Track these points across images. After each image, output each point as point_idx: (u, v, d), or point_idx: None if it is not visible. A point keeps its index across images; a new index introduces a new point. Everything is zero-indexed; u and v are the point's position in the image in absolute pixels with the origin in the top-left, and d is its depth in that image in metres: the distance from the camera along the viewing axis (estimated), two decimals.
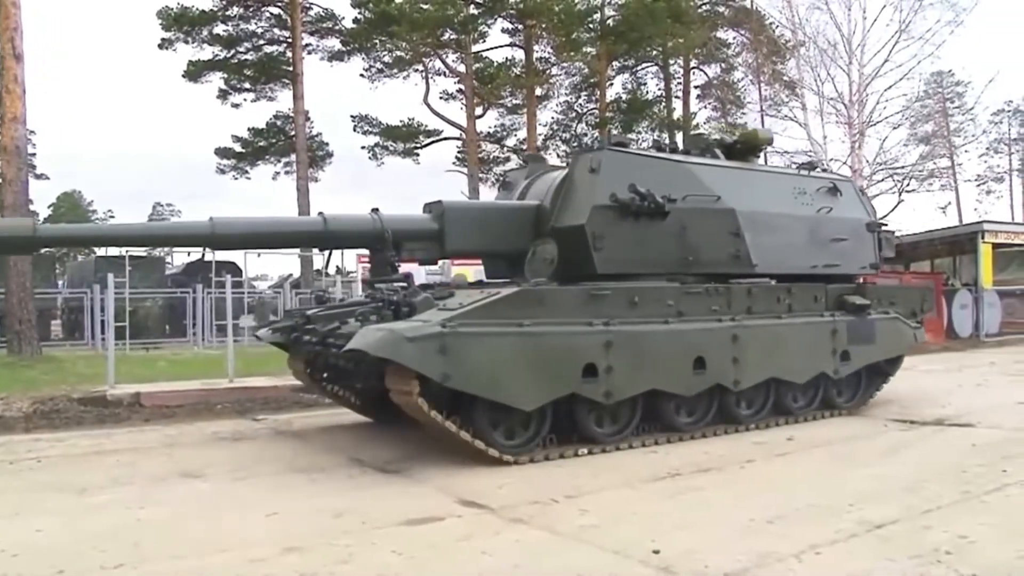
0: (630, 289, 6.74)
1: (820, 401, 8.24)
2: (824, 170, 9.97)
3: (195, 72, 27.34)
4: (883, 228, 9.42)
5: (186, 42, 26.82)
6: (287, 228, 7.58)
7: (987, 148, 55.98)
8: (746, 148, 8.90)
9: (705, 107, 36.90)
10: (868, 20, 24.41)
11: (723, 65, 34.68)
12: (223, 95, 28.50)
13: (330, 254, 7.92)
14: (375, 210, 7.19)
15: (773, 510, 4.57)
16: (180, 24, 26.22)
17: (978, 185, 57.32)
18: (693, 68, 34.21)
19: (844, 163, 23.99)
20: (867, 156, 25.36)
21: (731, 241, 7.68)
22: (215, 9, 26.32)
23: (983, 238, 19.21)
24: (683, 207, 7.29)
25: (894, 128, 27.43)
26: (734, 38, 33.79)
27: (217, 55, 27.40)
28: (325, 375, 7.68)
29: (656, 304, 6.86)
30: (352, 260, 19.38)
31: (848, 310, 8.38)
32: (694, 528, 4.30)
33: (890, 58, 24.56)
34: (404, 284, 6.62)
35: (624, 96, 34.02)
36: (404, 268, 7.26)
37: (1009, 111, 56.24)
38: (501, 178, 9.82)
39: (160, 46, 26.89)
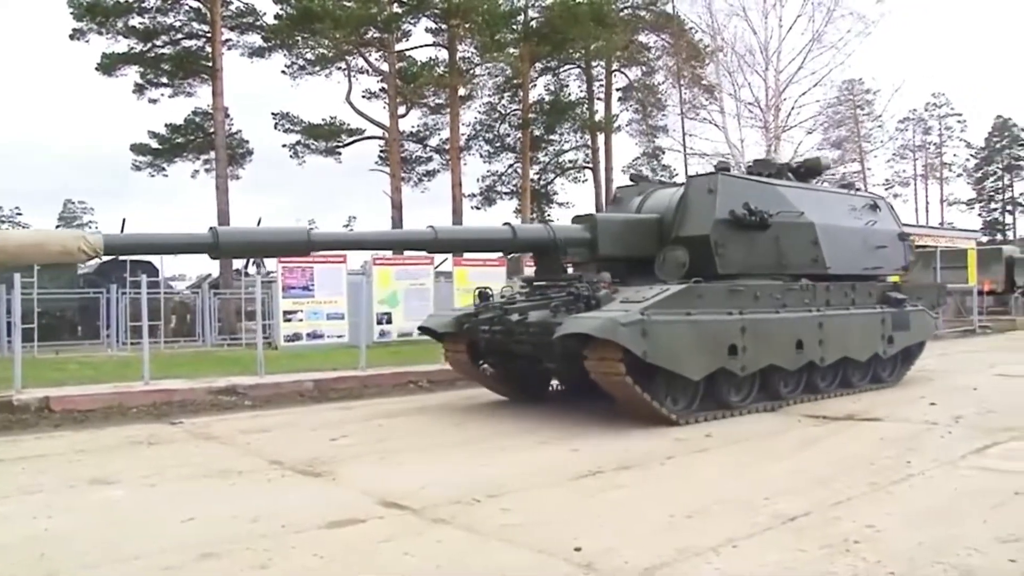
0: (753, 286, 8.44)
1: (871, 377, 10.03)
2: (858, 190, 11.96)
3: (109, 65, 26.33)
4: (910, 237, 11.12)
5: (100, 33, 25.75)
6: (487, 236, 8.90)
7: (894, 154, 58.44)
8: (808, 172, 10.70)
9: (626, 109, 37.46)
10: (784, 28, 25.30)
11: (644, 68, 35.20)
12: (139, 89, 27.54)
13: None
14: (544, 222, 8.61)
15: (692, 505, 4.67)
16: (93, 15, 25.16)
17: (886, 189, 59.86)
18: (615, 70, 34.62)
19: None
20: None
21: (811, 248, 9.38)
22: (130, 0, 25.44)
23: None
24: (777, 221, 8.89)
25: (808, 133, 28.43)
26: (655, 42, 34.30)
27: (133, 48, 26.46)
28: (485, 359, 8.99)
29: (770, 298, 8.57)
30: (272, 261, 18.85)
31: (890, 303, 10.23)
32: (615, 525, 4.35)
33: (804, 65, 25.56)
34: (576, 282, 7.95)
35: (547, 97, 34.26)
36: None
37: (913, 119, 58.81)
38: (613, 194, 11.34)
39: (72, 36, 25.85)
